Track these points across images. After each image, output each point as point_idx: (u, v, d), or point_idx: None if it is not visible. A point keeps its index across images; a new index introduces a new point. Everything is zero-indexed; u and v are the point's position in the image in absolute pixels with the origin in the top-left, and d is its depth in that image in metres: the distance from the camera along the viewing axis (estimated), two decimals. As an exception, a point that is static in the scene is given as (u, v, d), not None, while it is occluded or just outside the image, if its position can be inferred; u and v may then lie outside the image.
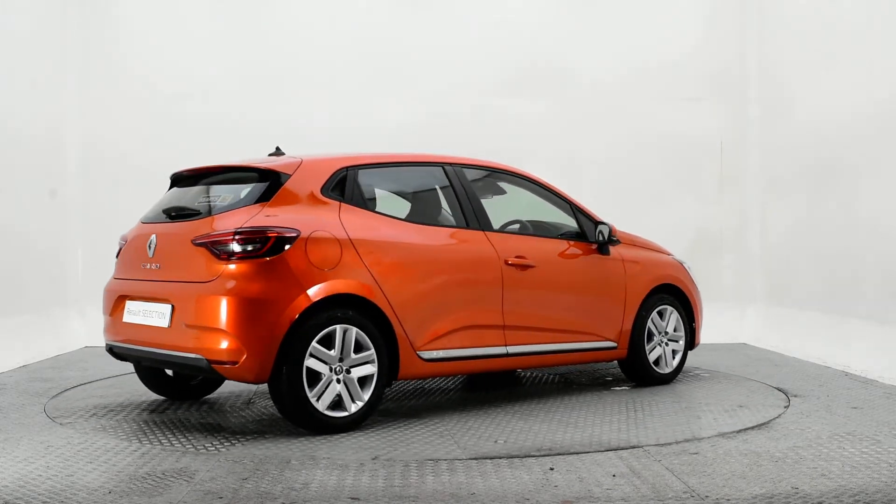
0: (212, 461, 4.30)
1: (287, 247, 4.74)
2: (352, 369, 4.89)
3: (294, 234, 4.78)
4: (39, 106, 8.58)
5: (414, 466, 4.20)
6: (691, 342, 6.71)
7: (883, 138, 7.09)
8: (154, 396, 6.02)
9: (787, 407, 5.58)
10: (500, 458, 4.35)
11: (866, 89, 7.35)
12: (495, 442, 4.68)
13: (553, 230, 6.17)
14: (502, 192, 6.30)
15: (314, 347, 4.75)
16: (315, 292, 4.76)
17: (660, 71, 9.39)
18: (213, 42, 9.22)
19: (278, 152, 5.52)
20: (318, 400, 4.77)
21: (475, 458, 4.33)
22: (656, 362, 6.41)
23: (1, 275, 7.56)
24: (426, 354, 5.21)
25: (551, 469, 4.13)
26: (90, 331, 8.12)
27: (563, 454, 4.41)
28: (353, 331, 4.87)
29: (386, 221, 5.27)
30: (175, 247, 5.00)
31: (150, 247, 5.15)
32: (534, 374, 7.00)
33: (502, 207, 6.43)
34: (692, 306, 6.68)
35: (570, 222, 6.20)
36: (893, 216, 6.95)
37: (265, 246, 4.70)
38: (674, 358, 6.53)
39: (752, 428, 4.98)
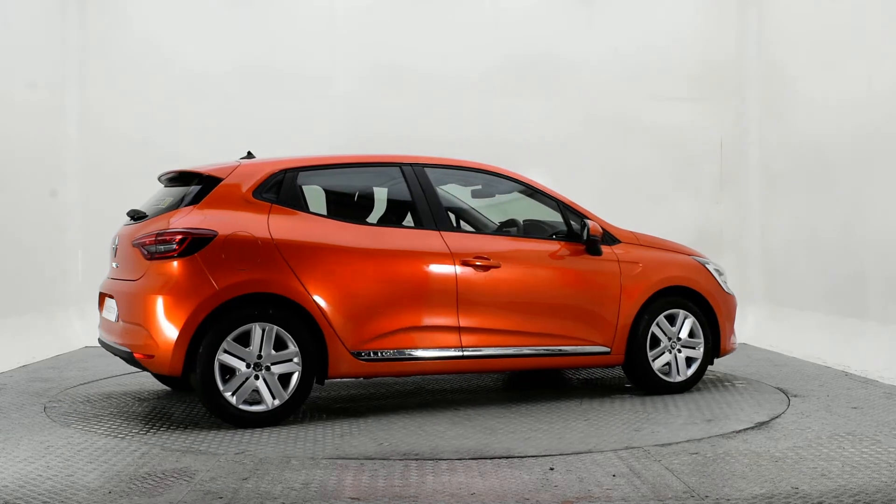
0: (212, 461, 4.30)
1: (203, 247, 4.98)
2: (273, 366, 5.02)
3: (211, 235, 5.01)
4: (39, 106, 8.58)
5: (414, 466, 4.20)
6: (715, 349, 6.22)
7: (883, 138, 7.10)
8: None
9: (787, 407, 5.58)
10: (501, 458, 4.35)
11: (866, 89, 7.35)
12: (379, 444, 4.66)
13: (549, 230, 5.99)
14: (505, 191, 6.24)
15: (229, 344, 4.94)
16: (228, 291, 4.95)
17: (659, 71, 9.39)
18: (214, 41, 9.22)
19: (249, 156, 5.73)
20: (233, 394, 4.96)
21: (475, 459, 4.33)
22: (666, 370, 6.03)
23: (1, 275, 7.56)
24: (363, 354, 5.24)
25: (551, 469, 4.13)
26: (90, 331, 8.11)
27: (563, 454, 4.41)
28: (274, 329, 5.01)
29: (322, 222, 5.34)
30: (125, 248, 5.39)
31: (114, 248, 5.60)
32: (552, 376, 6.98)
33: (494, 208, 6.40)
34: (714, 311, 6.19)
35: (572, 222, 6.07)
36: (893, 215, 6.95)
37: (181, 246, 4.97)
38: (689, 366, 6.08)
39: (752, 428, 4.98)
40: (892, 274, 6.95)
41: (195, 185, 5.33)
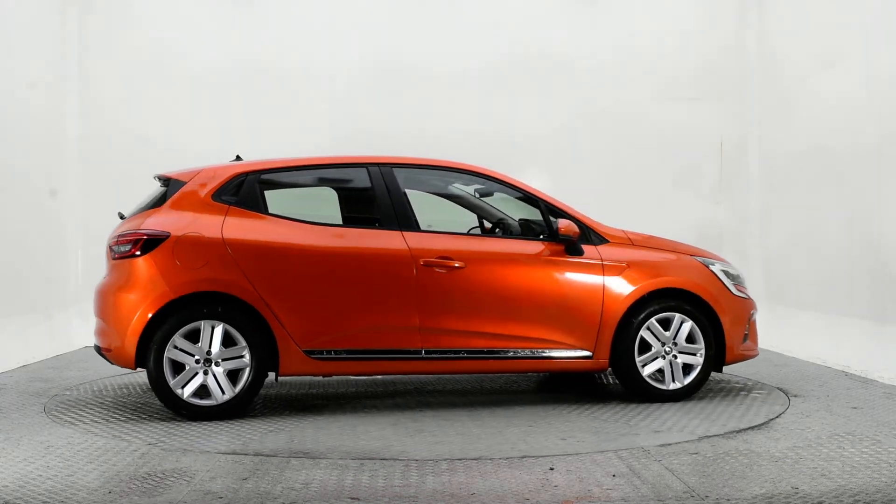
0: (212, 461, 4.30)
1: (155, 247, 5.24)
2: (223, 362, 5.22)
3: (163, 236, 5.25)
4: (39, 106, 8.58)
5: (414, 466, 4.20)
6: (720, 356, 5.83)
7: (883, 138, 7.10)
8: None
9: (787, 407, 5.58)
10: (500, 458, 4.35)
11: (866, 89, 7.35)
12: (291, 441, 4.69)
13: (538, 230, 5.77)
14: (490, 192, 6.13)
15: (178, 340, 5.17)
16: (176, 289, 5.18)
17: (660, 70, 9.39)
18: (214, 41, 9.22)
19: (238, 160, 5.84)
20: (182, 388, 5.18)
21: (475, 459, 4.33)
22: (659, 377, 5.70)
23: (1, 275, 7.56)
24: (316, 353, 5.32)
25: (551, 469, 4.13)
26: (90, 331, 8.11)
27: (563, 454, 4.41)
28: (222, 326, 5.19)
29: (279, 224, 5.45)
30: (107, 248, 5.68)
31: (106, 248, 5.75)
32: (587, 379, 6.93)
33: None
34: (718, 315, 5.76)
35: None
36: (893, 215, 6.95)
37: (136, 247, 5.26)
38: (687, 373, 5.73)
39: (752, 428, 4.98)
40: (891, 273, 6.95)
41: (167, 188, 5.56)
